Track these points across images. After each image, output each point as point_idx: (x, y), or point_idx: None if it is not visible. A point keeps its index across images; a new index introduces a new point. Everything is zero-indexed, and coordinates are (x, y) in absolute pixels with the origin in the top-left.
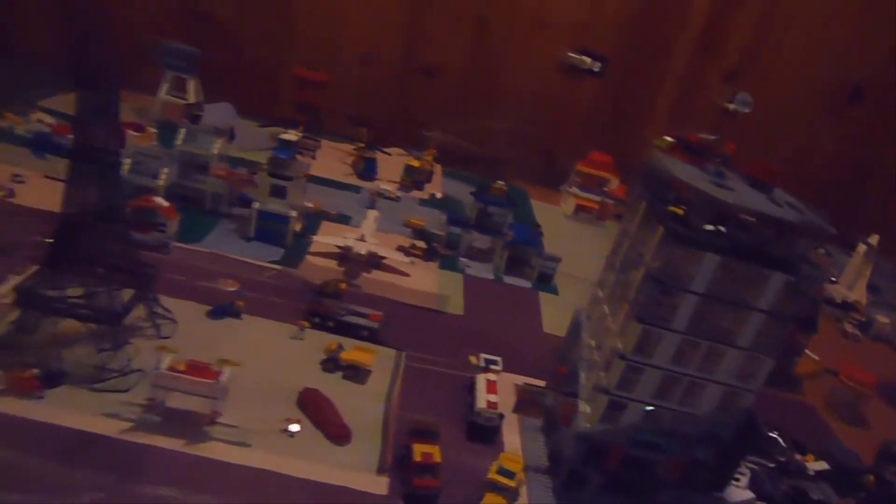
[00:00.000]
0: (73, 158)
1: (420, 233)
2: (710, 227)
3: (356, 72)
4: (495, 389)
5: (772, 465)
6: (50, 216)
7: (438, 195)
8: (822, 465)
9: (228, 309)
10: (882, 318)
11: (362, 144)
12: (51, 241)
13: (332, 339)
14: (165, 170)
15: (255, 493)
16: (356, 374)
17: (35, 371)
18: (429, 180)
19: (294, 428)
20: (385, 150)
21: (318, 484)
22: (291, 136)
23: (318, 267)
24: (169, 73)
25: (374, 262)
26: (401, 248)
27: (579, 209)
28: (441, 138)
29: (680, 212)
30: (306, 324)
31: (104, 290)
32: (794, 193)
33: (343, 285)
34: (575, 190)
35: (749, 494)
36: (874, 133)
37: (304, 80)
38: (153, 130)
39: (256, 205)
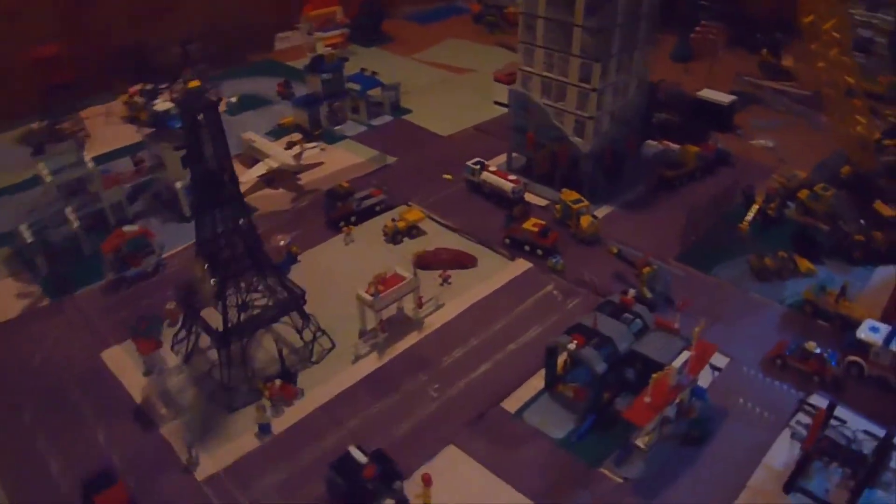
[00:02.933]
0: (198, 189)
1: (295, 127)
2: None
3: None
4: (505, 175)
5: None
6: None
7: (234, 99)
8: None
9: (288, 259)
10: None
11: (140, 95)
12: (215, 279)
13: (369, 226)
14: (68, 209)
15: (484, 317)
16: (418, 230)
17: (286, 382)
18: None
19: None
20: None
21: (497, 290)
22: (165, 104)
23: (268, 197)
24: None
25: (297, 167)
26: (288, 147)
27: (330, 48)
28: (196, 48)
29: None
30: (351, 227)
31: (269, 285)
32: None
33: (346, 184)
34: (319, 34)
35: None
36: None
37: (43, 60)
38: None
39: (179, 184)
